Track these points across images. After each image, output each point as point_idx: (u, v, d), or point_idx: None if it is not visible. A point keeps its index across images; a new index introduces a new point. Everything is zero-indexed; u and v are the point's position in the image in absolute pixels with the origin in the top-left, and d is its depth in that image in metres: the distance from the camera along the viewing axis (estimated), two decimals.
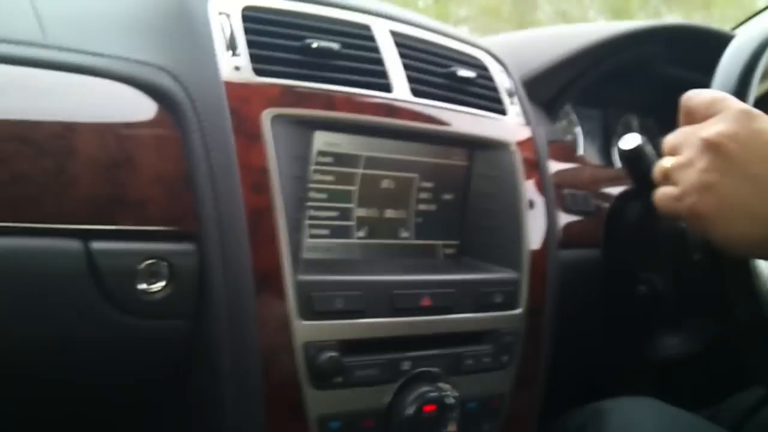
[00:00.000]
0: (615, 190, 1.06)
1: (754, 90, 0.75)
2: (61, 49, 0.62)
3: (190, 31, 0.68)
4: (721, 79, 0.76)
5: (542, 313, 0.87)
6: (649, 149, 0.81)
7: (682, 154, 0.65)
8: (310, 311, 0.68)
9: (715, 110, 0.64)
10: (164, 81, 0.65)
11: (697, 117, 0.66)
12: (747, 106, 0.64)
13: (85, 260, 0.59)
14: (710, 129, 0.63)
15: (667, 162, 0.67)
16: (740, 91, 0.75)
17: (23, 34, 0.62)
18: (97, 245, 0.60)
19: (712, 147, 0.62)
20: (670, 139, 0.68)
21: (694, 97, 0.67)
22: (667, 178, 0.67)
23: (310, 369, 0.68)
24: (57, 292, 0.59)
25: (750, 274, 0.74)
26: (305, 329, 0.68)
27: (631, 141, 0.81)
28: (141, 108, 0.64)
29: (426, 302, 0.76)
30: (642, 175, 0.79)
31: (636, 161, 0.81)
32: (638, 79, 1.24)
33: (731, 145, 0.62)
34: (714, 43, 0.88)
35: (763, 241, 0.62)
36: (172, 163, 0.64)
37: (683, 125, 0.68)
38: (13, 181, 0.57)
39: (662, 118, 1.36)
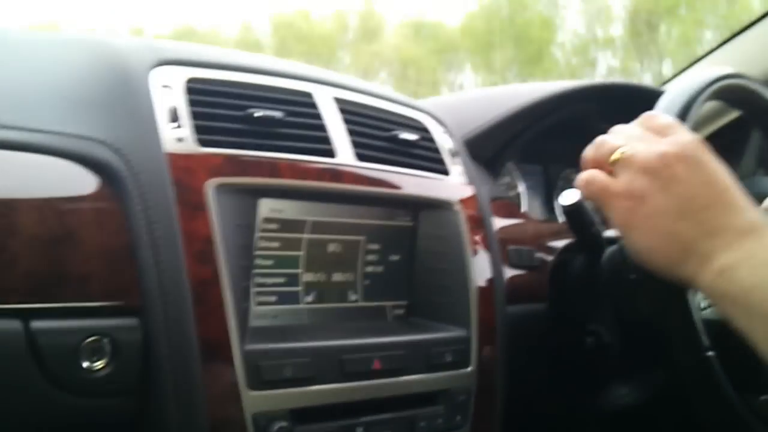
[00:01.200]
0: (559, 244, 1.07)
1: None
2: (0, 126, 0.61)
3: (131, 104, 0.68)
4: None
5: (493, 370, 0.88)
6: (588, 203, 0.83)
7: (634, 153, 0.67)
8: (258, 381, 0.68)
9: (671, 133, 0.67)
10: (105, 154, 0.64)
11: (652, 130, 0.69)
12: (699, 138, 0.67)
13: (24, 340, 0.58)
14: (665, 146, 0.65)
15: (613, 145, 0.68)
16: None
17: None
18: (37, 324, 0.58)
19: (662, 162, 0.64)
20: (623, 130, 0.70)
21: (654, 116, 0.70)
22: (607, 164, 0.68)
23: None
24: None
25: (686, 304, 0.76)
26: (254, 400, 0.67)
27: (570, 196, 0.83)
28: (81, 182, 0.64)
29: (377, 365, 0.76)
30: (583, 227, 0.81)
31: (577, 215, 0.83)
32: (575, 134, 1.27)
33: (679, 166, 0.64)
34: (645, 98, 0.91)
35: (676, 259, 0.64)
36: (114, 236, 0.63)
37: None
38: None
39: None
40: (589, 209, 0.82)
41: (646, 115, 0.71)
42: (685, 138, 0.66)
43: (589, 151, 0.71)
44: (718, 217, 0.63)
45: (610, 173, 0.68)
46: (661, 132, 0.68)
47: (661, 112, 0.80)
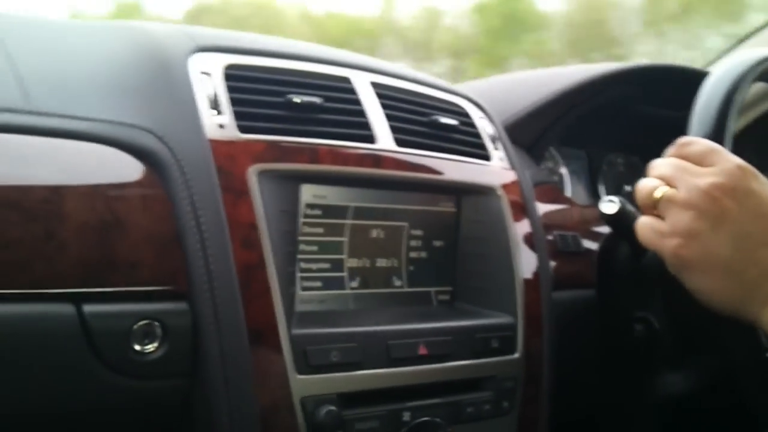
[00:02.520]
0: (605, 230, 1.06)
1: (732, 126, 0.76)
2: (44, 114, 0.62)
3: (172, 92, 0.68)
4: (699, 117, 0.77)
5: (540, 357, 0.87)
6: (629, 208, 0.81)
7: (675, 190, 0.65)
8: (305, 365, 0.68)
9: (711, 161, 0.65)
10: (149, 142, 0.65)
11: (690, 159, 0.67)
12: (743, 162, 0.65)
13: (78, 324, 0.59)
14: (708, 179, 0.63)
15: (653, 185, 0.67)
16: (718, 127, 0.76)
17: (5, 101, 0.62)
18: (89, 308, 0.59)
19: (708, 197, 0.63)
20: (660, 165, 0.68)
21: (691, 143, 0.68)
22: (654, 206, 0.67)
23: (310, 424, 0.67)
24: (51, 356, 0.58)
25: None
26: (302, 384, 0.67)
27: (611, 206, 0.81)
28: (127, 169, 0.64)
29: (423, 351, 0.76)
30: (627, 232, 0.79)
31: (619, 222, 0.81)
32: (619, 118, 1.26)
33: (726, 200, 0.62)
34: (689, 81, 0.90)
35: (737, 300, 0.63)
36: (160, 222, 0.64)
37: (672, 155, 0.68)
38: (3, 247, 0.56)
39: (646, 156, 1.38)
40: (632, 211, 0.81)
41: (682, 142, 0.68)
42: (728, 165, 0.64)
43: (636, 195, 0.70)
44: None
45: (658, 216, 0.67)
46: (701, 160, 0.66)
47: (702, 102, 0.78)
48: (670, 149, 0.69)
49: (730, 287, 0.62)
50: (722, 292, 0.63)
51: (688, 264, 0.64)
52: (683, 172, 0.66)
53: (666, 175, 0.67)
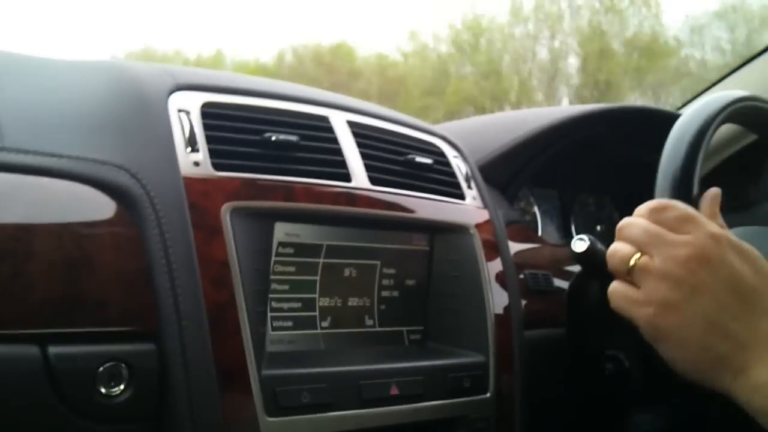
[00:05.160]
0: (576, 268, 1.07)
1: (700, 167, 0.78)
2: (19, 151, 0.62)
3: (149, 129, 0.68)
4: (668, 159, 0.78)
5: (512, 396, 0.87)
6: (599, 247, 0.82)
7: (650, 259, 0.65)
8: (276, 407, 0.67)
9: (685, 228, 0.65)
10: (122, 179, 0.64)
11: (664, 225, 0.66)
12: (719, 230, 0.65)
13: (42, 365, 0.57)
14: (684, 249, 0.63)
15: (627, 252, 0.66)
16: (686, 168, 0.77)
17: None
18: (54, 350, 0.58)
19: (684, 268, 0.62)
20: (631, 230, 0.67)
21: (666, 208, 0.67)
22: (627, 273, 0.66)
23: None
24: (14, 397, 0.57)
25: None
26: (273, 427, 0.66)
27: (581, 244, 0.82)
28: (99, 207, 0.64)
29: (394, 391, 0.75)
30: (597, 269, 0.80)
31: (589, 261, 0.82)
32: (591, 158, 1.28)
33: (701, 272, 0.62)
34: (660, 123, 0.91)
35: (709, 371, 0.62)
36: (130, 260, 0.63)
37: (645, 218, 0.67)
38: None
39: (617, 196, 1.40)
40: (602, 250, 0.81)
41: (656, 206, 0.67)
42: (704, 235, 0.64)
43: (609, 260, 0.69)
44: (749, 327, 0.61)
45: (632, 283, 0.66)
46: (676, 227, 0.65)
47: (672, 144, 0.79)
48: (643, 210, 0.68)
49: (703, 359, 0.62)
50: (695, 363, 0.63)
51: (661, 334, 0.64)
52: (658, 240, 0.65)
53: (640, 241, 0.66)
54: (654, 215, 0.67)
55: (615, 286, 0.68)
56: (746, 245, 0.66)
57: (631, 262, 0.66)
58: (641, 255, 0.66)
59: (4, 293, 0.56)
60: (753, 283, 0.63)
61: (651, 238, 0.65)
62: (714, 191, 0.73)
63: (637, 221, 0.68)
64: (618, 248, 0.68)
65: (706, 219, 0.66)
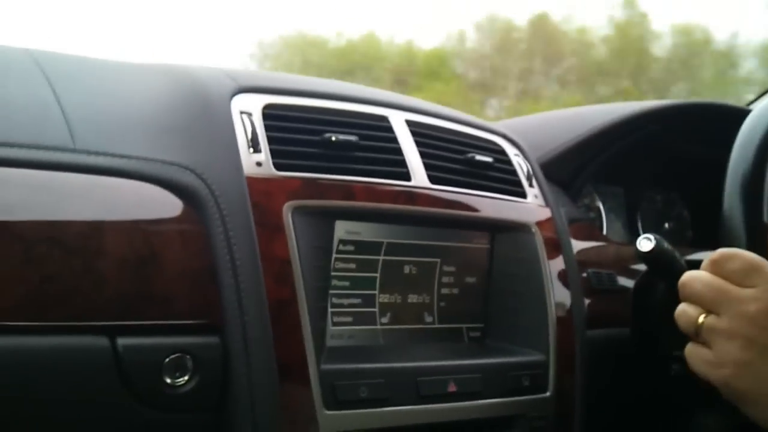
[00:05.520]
0: (641, 267, 1.05)
1: None
2: (89, 152, 0.65)
3: (213, 131, 0.71)
4: (738, 155, 0.77)
5: (572, 396, 0.86)
6: (666, 246, 0.80)
7: (717, 317, 0.63)
8: (334, 400, 0.68)
9: (751, 281, 0.63)
10: (188, 179, 0.67)
11: (729, 278, 0.64)
12: None
13: (111, 356, 0.60)
14: (751, 306, 0.61)
15: (693, 313, 0.65)
16: (757, 165, 0.75)
17: (54, 139, 0.65)
18: (123, 341, 0.61)
19: (754, 325, 0.61)
20: (694, 286, 0.65)
21: (729, 258, 0.65)
22: (697, 333, 0.65)
23: None
24: (83, 388, 0.60)
25: None
26: (330, 419, 0.68)
27: (647, 243, 0.81)
28: (166, 205, 0.66)
29: (452, 388, 0.76)
30: (663, 269, 0.78)
31: (655, 260, 0.81)
32: (657, 155, 1.25)
33: None
34: (729, 119, 0.89)
35: None
36: (196, 258, 0.66)
37: (708, 270, 0.66)
38: (43, 281, 0.58)
39: (684, 192, 1.37)
40: (669, 249, 0.80)
41: (719, 257, 0.65)
42: None
43: (678, 322, 0.67)
44: None
45: (704, 343, 0.64)
46: (741, 279, 0.63)
47: (742, 140, 0.76)
48: (706, 263, 0.66)
49: None
50: None
51: (741, 394, 0.62)
52: (723, 296, 0.63)
53: (705, 299, 0.64)
54: (716, 268, 0.65)
55: (690, 348, 0.66)
56: None
57: (699, 321, 0.64)
58: (707, 314, 0.64)
59: (76, 287, 0.60)
60: None
61: (715, 294, 0.64)
62: None
63: (699, 275, 0.66)
64: (684, 309, 0.66)
65: None
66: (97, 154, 0.65)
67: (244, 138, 0.71)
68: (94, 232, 0.61)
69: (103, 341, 0.60)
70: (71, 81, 0.73)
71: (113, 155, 0.65)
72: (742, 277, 0.63)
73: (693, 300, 0.66)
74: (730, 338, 0.62)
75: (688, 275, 0.67)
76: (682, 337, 0.93)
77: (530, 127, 1.19)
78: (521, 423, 0.81)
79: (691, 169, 1.28)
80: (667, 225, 1.35)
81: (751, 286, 0.62)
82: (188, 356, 0.63)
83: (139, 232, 0.63)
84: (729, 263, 0.64)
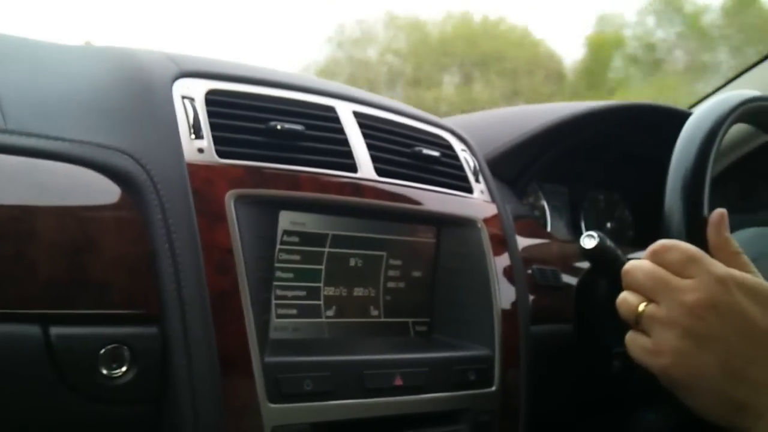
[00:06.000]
0: (584, 264, 1.06)
1: (711, 166, 0.77)
2: (21, 133, 0.62)
3: (153, 115, 0.68)
4: (679, 157, 0.78)
5: (517, 390, 0.86)
6: (609, 244, 0.81)
7: (657, 306, 0.64)
8: (278, 394, 0.67)
9: (690, 271, 0.64)
10: (126, 164, 0.65)
11: (669, 268, 0.65)
12: (724, 272, 0.63)
13: (44, 346, 0.58)
14: (689, 295, 0.62)
15: (634, 301, 0.66)
16: (698, 168, 0.77)
17: None
18: (56, 330, 0.58)
19: (691, 315, 0.62)
20: (636, 275, 0.67)
21: (669, 249, 0.66)
22: (637, 321, 0.66)
23: None
24: (15, 377, 0.57)
25: None
26: (274, 412, 0.66)
27: (591, 240, 0.81)
28: (103, 191, 0.64)
29: (398, 382, 0.75)
30: (606, 267, 0.79)
31: (598, 257, 0.82)
32: (601, 155, 1.27)
33: (711, 318, 0.61)
34: (672, 120, 0.90)
35: (729, 416, 0.62)
36: (134, 244, 0.63)
37: (649, 260, 0.67)
38: None
39: (627, 192, 1.39)
40: (612, 247, 0.81)
41: (660, 247, 0.67)
42: (709, 279, 0.63)
43: (618, 310, 0.68)
44: (764, 370, 0.60)
45: (643, 331, 0.66)
46: (680, 270, 0.64)
47: (683, 142, 0.77)
48: (647, 253, 0.67)
49: (722, 405, 0.62)
50: (715, 410, 0.62)
51: (678, 383, 0.63)
52: (663, 286, 0.64)
53: (645, 287, 0.65)
54: (657, 257, 0.66)
55: (630, 336, 0.67)
56: (756, 282, 0.64)
57: (639, 310, 0.65)
58: (648, 303, 0.65)
59: (6, 273, 0.57)
60: (765, 325, 0.61)
61: (655, 283, 0.65)
62: (718, 214, 0.71)
63: (641, 265, 0.67)
64: (625, 297, 0.67)
65: (710, 259, 0.65)
66: (29, 135, 0.62)
67: (186, 123, 0.69)
68: (25, 215, 0.58)
69: (34, 330, 0.57)
70: (5, 60, 0.70)
71: (48, 137, 0.63)
72: (681, 267, 0.64)
73: (634, 288, 0.67)
74: (668, 327, 0.63)
75: (631, 264, 0.68)
76: (623, 333, 0.95)
77: (478, 124, 1.19)
78: (467, 417, 0.80)
79: (633, 170, 1.30)
80: (609, 224, 1.37)
81: (690, 276, 0.64)
82: (125, 347, 0.61)
83: (74, 218, 0.61)
84: (669, 254, 0.66)
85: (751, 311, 0.62)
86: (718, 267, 0.64)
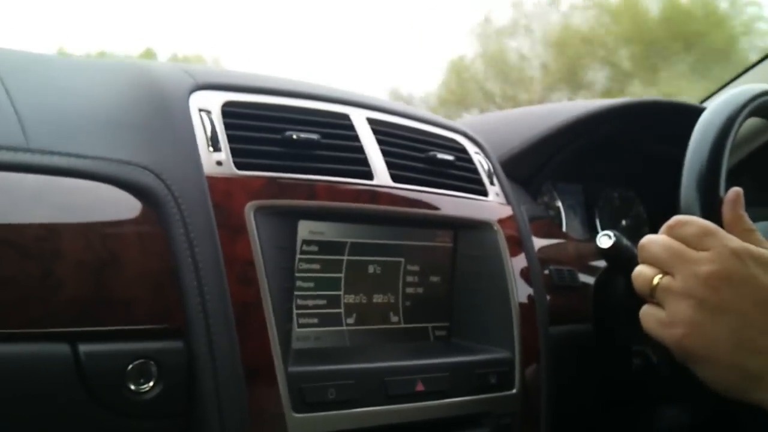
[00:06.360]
0: (601, 263, 1.06)
1: (726, 161, 0.77)
2: (44, 152, 0.62)
3: (171, 129, 0.69)
4: (693, 153, 0.78)
5: (538, 392, 0.86)
6: (625, 243, 0.81)
7: (672, 278, 0.64)
8: (302, 403, 0.67)
9: (705, 244, 0.64)
10: (147, 179, 0.65)
11: (684, 241, 0.65)
12: (739, 245, 0.63)
13: (73, 363, 0.58)
14: (705, 267, 0.62)
15: (649, 273, 0.66)
16: (713, 163, 0.76)
17: (5, 139, 0.62)
18: (84, 348, 0.59)
19: (706, 286, 0.62)
20: (651, 248, 0.67)
21: (685, 223, 0.66)
22: (652, 294, 0.66)
23: None
24: (45, 396, 0.58)
25: None
26: (299, 422, 0.67)
27: (607, 240, 0.82)
28: (124, 207, 0.64)
29: (420, 387, 0.75)
30: (623, 265, 0.79)
31: (615, 256, 0.82)
32: (615, 153, 1.27)
33: (725, 290, 0.61)
34: (685, 117, 0.90)
35: (742, 388, 0.62)
36: (156, 260, 0.64)
37: (666, 234, 0.67)
38: None
39: (642, 189, 1.39)
40: (628, 246, 0.81)
41: (675, 222, 0.67)
42: (724, 251, 0.63)
43: (634, 283, 0.68)
44: None
45: (658, 304, 0.65)
46: (696, 243, 0.64)
47: (697, 138, 0.77)
48: (664, 228, 0.68)
49: (735, 376, 0.62)
50: (727, 381, 0.62)
51: (691, 354, 0.63)
52: (678, 258, 0.64)
53: (661, 260, 0.65)
54: (673, 232, 0.66)
55: (644, 309, 0.67)
56: None
57: (654, 282, 0.65)
58: (663, 275, 0.65)
59: (33, 293, 0.57)
60: None
61: (671, 256, 0.65)
62: (734, 192, 0.71)
63: (657, 239, 0.67)
64: (640, 270, 0.67)
65: (725, 233, 0.65)
66: (52, 153, 0.62)
67: (204, 136, 0.69)
68: (50, 234, 0.59)
69: (63, 348, 0.58)
70: (23, 78, 0.71)
71: (69, 155, 0.63)
72: (697, 240, 0.65)
73: (650, 261, 0.67)
74: (683, 298, 0.63)
75: (647, 238, 0.68)
76: (642, 331, 0.95)
77: (490, 126, 1.19)
78: (489, 420, 0.81)
79: (647, 167, 1.30)
80: (624, 222, 1.37)
81: (705, 249, 0.64)
82: (152, 362, 0.61)
83: (97, 235, 0.61)
84: (684, 228, 0.66)
85: (765, 282, 0.62)
86: (734, 240, 0.64)
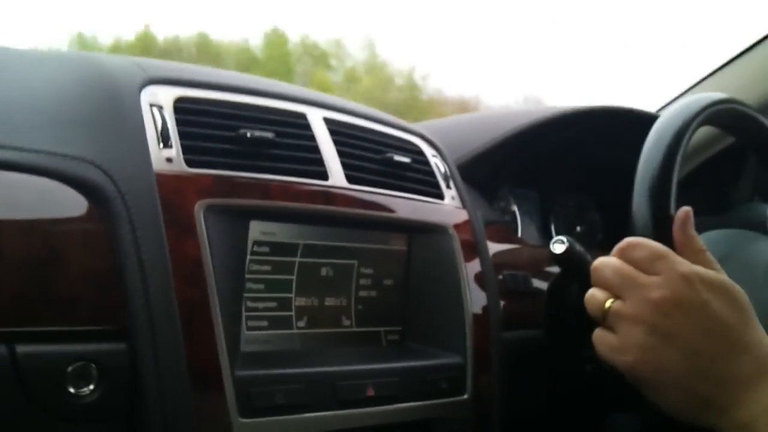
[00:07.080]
0: (555, 269, 1.06)
1: (678, 169, 0.77)
2: None
3: (121, 124, 0.67)
4: (646, 160, 0.78)
5: (490, 398, 0.86)
6: (578, 248, 0.82)
7: (624, 302, 0.64)
8: (249, 408, 0.66)
9: (656, 268, 0.64)
10: (93, 175, 0.63)
11: (636, 265, 0.66)
12: (689, 269, 0.64)
13: (10, 364, 0.56)
14: (655, 292, 0.63)
15: (601, 297, 0.66)
16: (665, 171, 0.77)
17: None
18: (22, 349, 0.56)
19: (656, 312, 0.62)
20: (603, 272, 0.67)
21: (636, 246, 0.66)
22: (604, 318, 0.66)
23: None
24: None
25: None
26: (246, 427, 0.65)
27: (560, 245, 0.82)
28: (69, 203, 0.62)
29: (370, 392, 0.74)
30: (576, 271, 0.80)
31: (568, 262, 0.82)
32: (571, 159, 1.28)
33: (676, 315, 0.62)
34: (640, 124, 0.91)
35: (693, 412, 0.62)
36: (101, 258, 0.62)
37: (617, 257, 0.67)
38: None
39: (597, 196, 1.40)
40: (581, 251, 0.81)
41: (627, 245, 0.67)
42: (674, 276, 0.63)
43: (586, 306, 0.68)
44: (728, 366, 0.61)
45: (610, 328, 0.66)
46: (646, 267, 0.65)
47: (650, 145, 0.78)
48: (615, 250, 0.68)
49: (686, 401, 0.62)
50: (679, 406, 0.63)
51: (643, 380, 0.63)
52: (629, 283, 0.64)
53: (612, 284, 0.66)
54: (625, 255, 0.67)
55: (596, 333, 0.67)
56: (720, 279, 0.65)
57: (606, 306, 0.65)
58: (615, 299, 0.65)
59: None
60: (728, 321, 0.62)
61: (622, 280, 0.65)
62: (683, 212, 0.71)
63: (609, 262, 0.67)
64: (592, 293, 0.68)
65: (676, 257, 0.65)
66: None
67: (154, 132, 0.67)
68: None
69: (1, 349, 0.56)
70: None
71: (11, 147, 0.60)
72: (648, 264, 0.65)
73: (601, 285, 0.67)
74: (634, 323, 0.63)
75: (599, 261, 0.68)
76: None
77: (448, 129, 1.19)
78: (440, 425, 0.80)
79: (602, 174, 1.31)
80: (578, 228, 1.38)
81: (656, 273, 0.64)
82: (93, 364, 0.59)
83: (39, 232, 0.59)
84: (635, 251, 0.66)
85: (715, 308, 0.62)
86: (684, 264, 0.64)
